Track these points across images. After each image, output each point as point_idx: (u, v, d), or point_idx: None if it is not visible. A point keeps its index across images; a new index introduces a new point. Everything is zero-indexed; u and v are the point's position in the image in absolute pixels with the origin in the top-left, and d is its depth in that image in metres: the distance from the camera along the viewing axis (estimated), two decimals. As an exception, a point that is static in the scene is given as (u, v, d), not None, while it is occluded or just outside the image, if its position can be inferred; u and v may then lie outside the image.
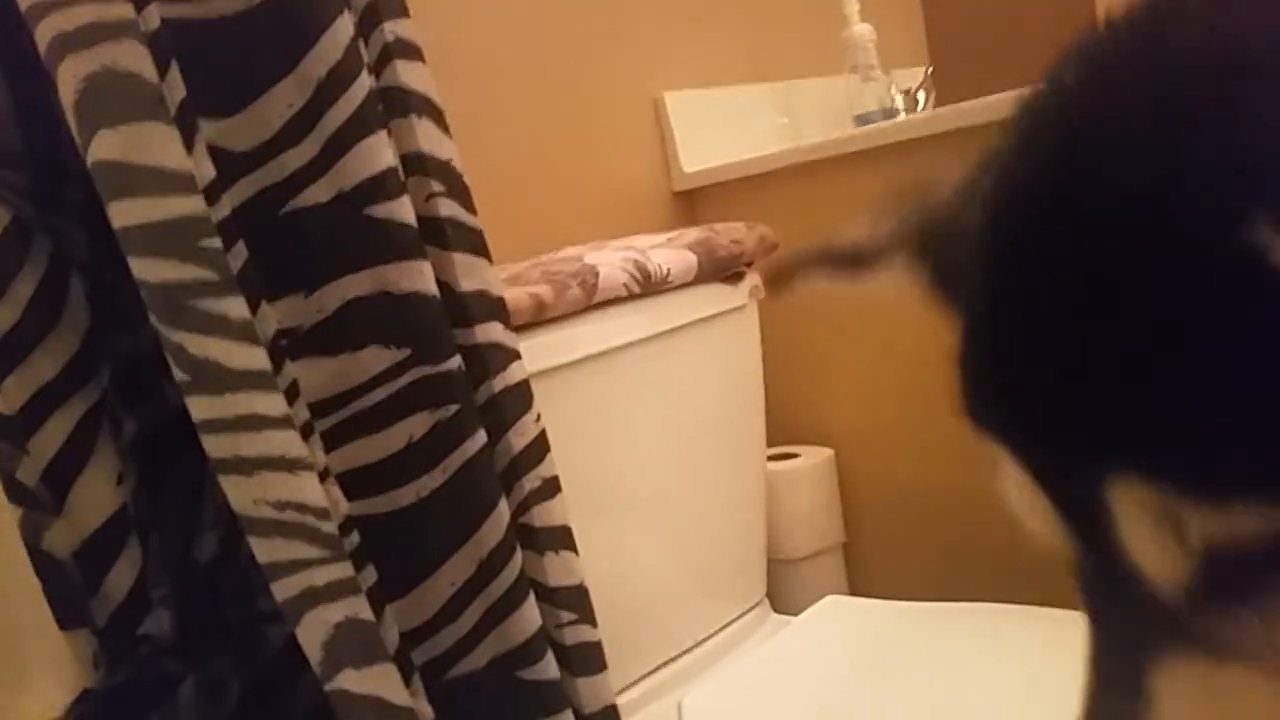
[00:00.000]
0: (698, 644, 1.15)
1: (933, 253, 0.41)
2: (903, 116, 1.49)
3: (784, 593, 1.37)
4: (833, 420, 1.43)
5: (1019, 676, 0.90)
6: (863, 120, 1.48)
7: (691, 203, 1.49)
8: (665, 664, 1.11)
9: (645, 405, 1.08)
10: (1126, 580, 0.34)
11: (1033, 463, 0.35)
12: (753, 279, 1.17)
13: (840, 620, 1.10)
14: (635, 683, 1.07)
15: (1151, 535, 0.32)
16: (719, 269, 1.12)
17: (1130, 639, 0.35)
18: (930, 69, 1.32)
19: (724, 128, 1.53)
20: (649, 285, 1.04)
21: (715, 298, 1.13)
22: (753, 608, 1.23)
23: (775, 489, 1.34)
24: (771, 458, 1.39)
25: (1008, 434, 0.36)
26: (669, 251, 1.07)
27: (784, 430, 1.44)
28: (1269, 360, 0.27)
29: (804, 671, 1.00)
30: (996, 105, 1.16)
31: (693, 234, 1.13)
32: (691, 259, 1.08)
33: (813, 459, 1.40)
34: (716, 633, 1.17)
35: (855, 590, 1.42)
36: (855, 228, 0.46)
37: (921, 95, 1.55)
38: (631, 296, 1.04)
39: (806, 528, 1.39)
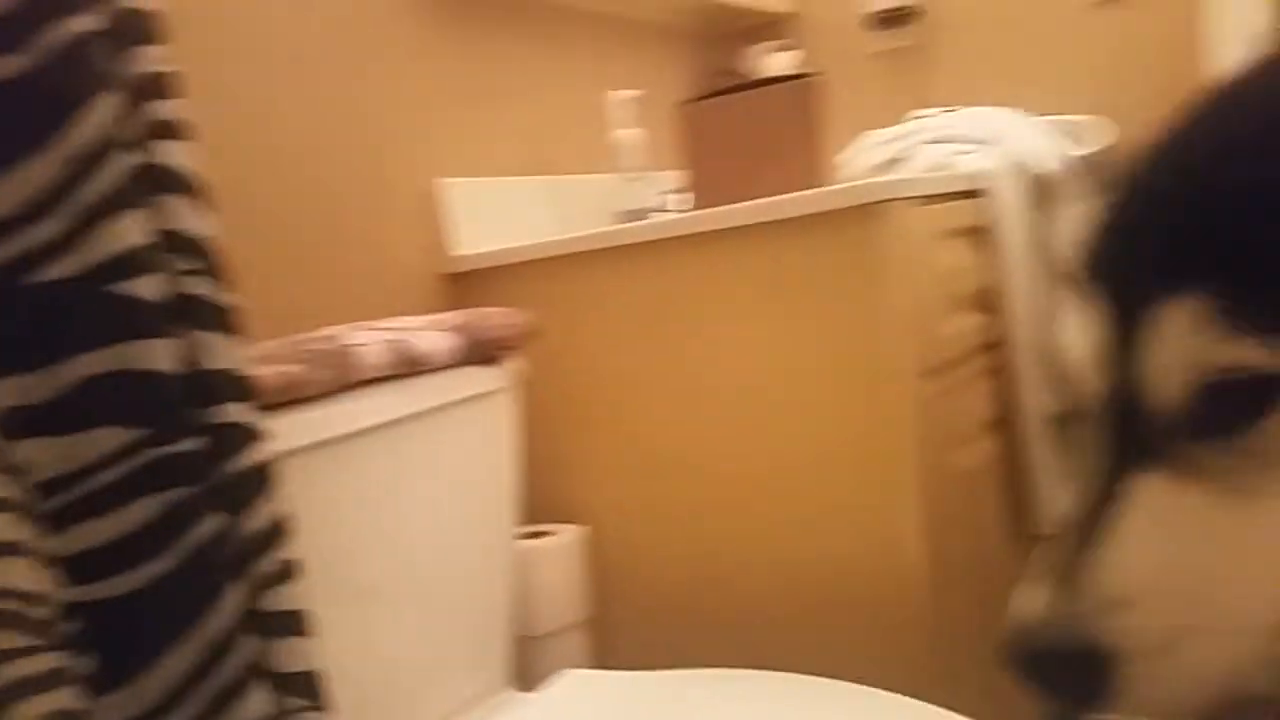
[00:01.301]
0: (442, 723, 1.14)
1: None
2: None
3: (530, 669, 1.39)
4: (588, 499, 1.48)
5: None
6: (626, 217, 1.57)
7: (461, 287, 1.52)
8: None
9: (398, 485, 1.09)
10: (1133, 404, 0.45)
11: (1114, 295, 0.46)
12: (515, 363, 1.22)
13: (576, 693, 1.13)
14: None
15: (1175, 360, 0.43)
16: (480, 352, 1.15)
17: (1117, 454, 0.46)
18: (687, 174, 1.43)
19: (497, 216, 1.58)
20: (408, 366, 1.06)
21: (475, 380, 1.16)
22: (494, 689, 1.24)
23: (525, 566, 1.37)
24: (526, 535, 1.42)
25: (1108, 277, 0.47)
26: (429, 335, 1.10)
27: (540, 509, 1.48)
28: None
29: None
30: (748, 211, 1.28)
31: (456, 317, 1.16)
32: (453, 341, 1.11)
33: (564, 536, 1.44)
34: (460, 712, 1.17)
35: (602, 664, 1.46)
36: None
37: (676, 199, 1.67)
38: (390, 377, 1.05)
39: (556, 604, 1.42)
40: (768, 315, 1.30)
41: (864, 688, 1.01)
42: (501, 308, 1.22)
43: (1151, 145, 0.47)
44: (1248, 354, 0.41)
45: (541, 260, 1.44)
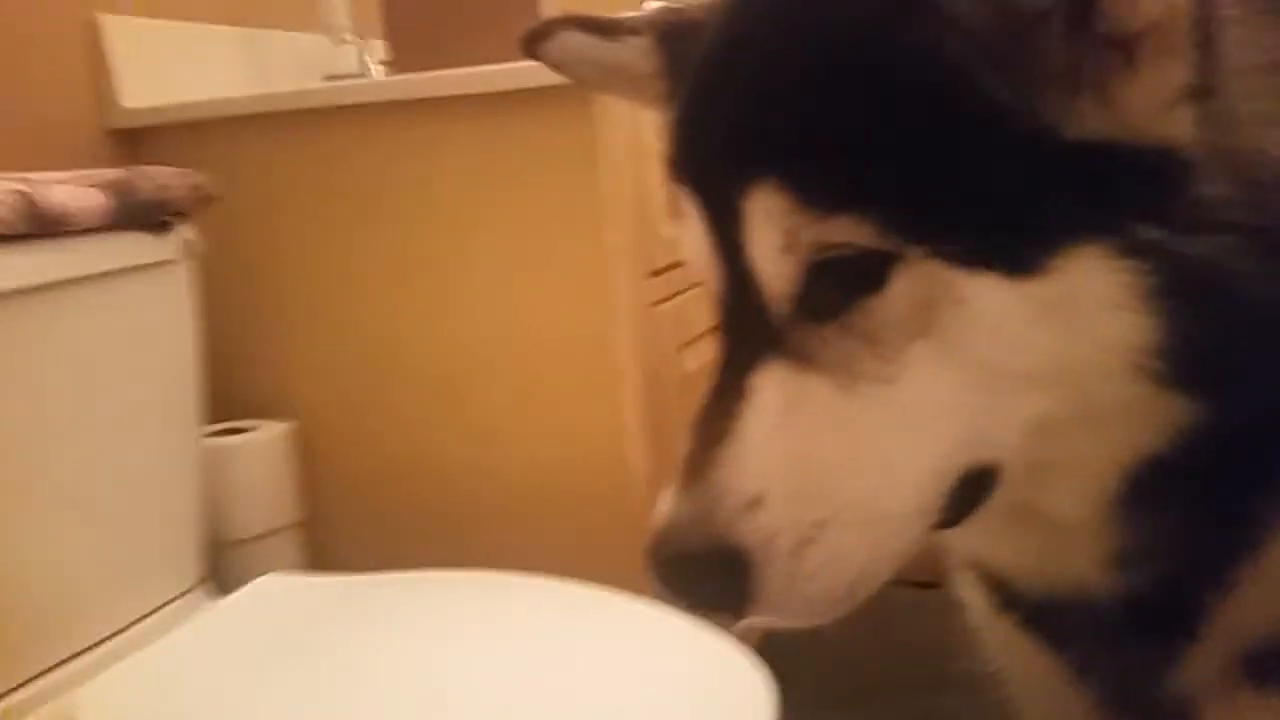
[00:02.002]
0: (119, 632, 1.02)
1: (671, 40, 0.52)
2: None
3: (234, 575, 1.27)
4: (296, 393, 1.35)
5: (451, 638, 0.91)
6: (332, 82, 1.42)
7: (133, 145, 1.33)
8: (81, 654, 0.97)
9: (44, 365, 0.93)
10: (748, 295, 0.45)
11: (704, 189, 0.46)
12: (185, 233, 1.06)
13: (272, 597, 1.04)
14: (37, 677, 0.92)
15: (772, 244, 0.43)
16: (139, 215, 0.99)
17: (741, 349, 0.46)
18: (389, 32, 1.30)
19: (179, 67, 1.38)
20: (42, 223, 0.89)
21: (134, 248, 1.01)
22: (186, 592, 1.12)
23: (224, 464, 1.24)
24: (222, 432, 1.28)
25: (694, 172, 0.47)
26: (72, 189, 0.93)
27: (241, 404, 1.34)
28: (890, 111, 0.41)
29: (226, 651, 0.94)
30: (455, 80, 1.17)
31: (110, 174, 1.00)
32: (101, 200, 0.95)
33: (267, 433, 1.31)
34: (142, 620, 1.05)
35: (316, 568, 1.36)
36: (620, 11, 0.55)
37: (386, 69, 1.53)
38: (15, 236, 0.88)
39: (259, 506, 1.30)
40: (484, 198, 1.21)
41: (578, 585, 0.98)
42: (168, 167, 1.06)
43: (714, 29, 0.48)
44: (841, 232, 0.42)
45: (230, 119, 1.28)
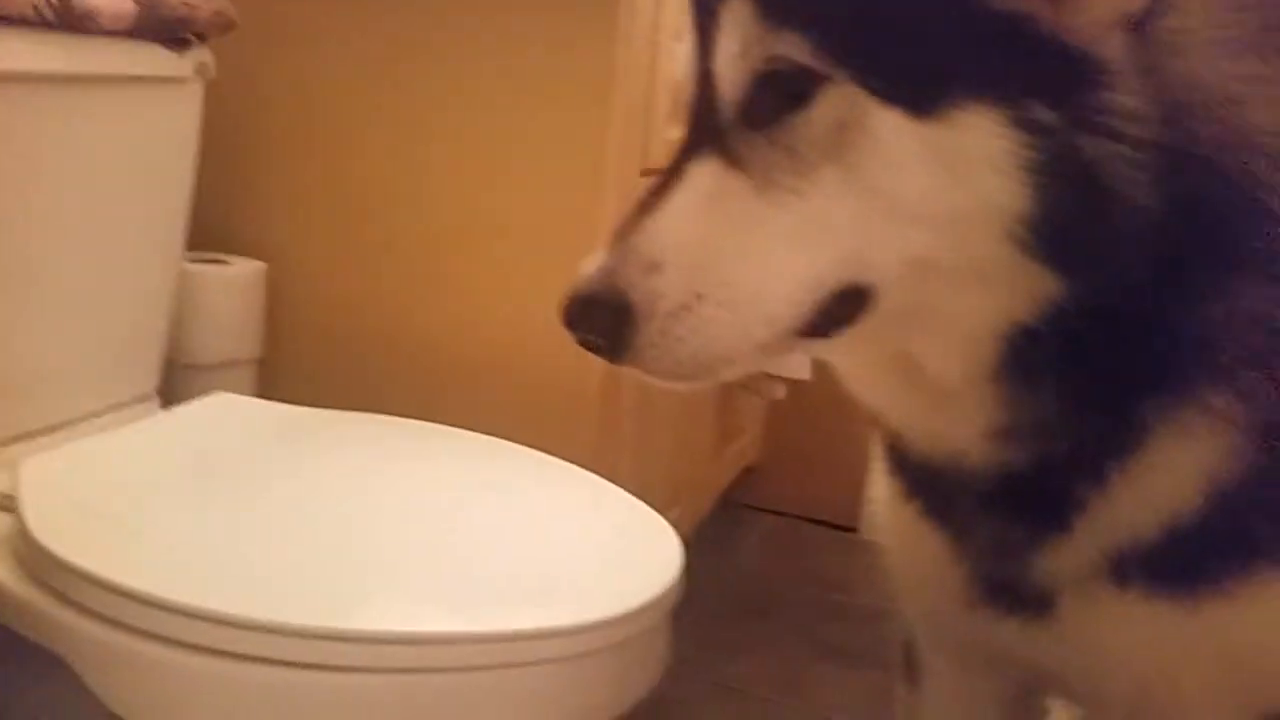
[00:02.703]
0: (70, 422, 1.07)
1: None
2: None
3: (188, 398, 1.32)
4: (268, 234, 1.40)
5: (380, 474, 0.97)
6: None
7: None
8: (33, 435, 1.02)
9: (52, 154, 0.97)
10: (707, 96, 0.51)
11: (702, 8, 0.51)
12: (202, 54, 1.10)
13: (214, 413, 1.09)
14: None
15: (732, 50, 0.49)
16: (162, 28, 1.03)
17: (691, 143, 0.52)
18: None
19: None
20: (68, 18, 0.93)
21: (152, 59, 1.04)
22: (139, 400, 1.17)
23: (195, 292, 1.29)
24: (200, 260, 1.32)
25: None
26: (104, -9, 0.97)
27: (220, 237, 1.38)
28: None
29: (163, 451, 0.99)
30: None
31: (139, -16, 1.03)
32: (129, 5, 0.98)
33: (241, 269, 1.36)
34: (92, 416, 1.10)
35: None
36: None
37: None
38: (44, 24, 0.92)
39: (222, 336, 1.35)
40: (497, 72, 1.25)
41: (522, 448, 1.04)
42: (197, -11, 1.09)
43: None
44: (786, 45, 0.48)
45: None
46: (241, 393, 1.37)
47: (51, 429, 1.05)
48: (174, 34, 1.05)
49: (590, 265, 0.52)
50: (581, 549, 0.84)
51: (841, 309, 0.51)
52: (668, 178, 0.52)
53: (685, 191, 0.51)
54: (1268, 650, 0.56)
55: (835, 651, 1.58)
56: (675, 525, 1.56)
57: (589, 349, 0.52)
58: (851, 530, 1.91)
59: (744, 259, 0.50)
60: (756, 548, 1.94)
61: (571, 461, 1.01)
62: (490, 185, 1.28)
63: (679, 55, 0.55)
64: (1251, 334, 0.51)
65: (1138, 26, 0.47)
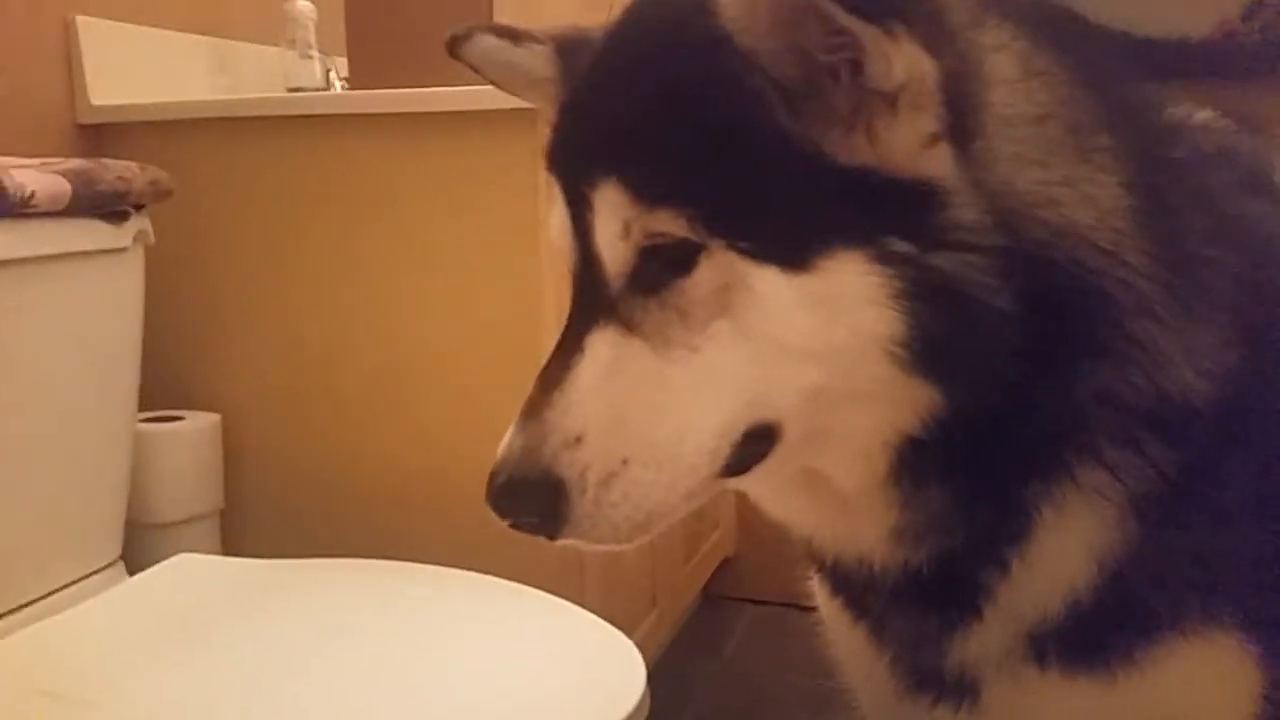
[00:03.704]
0: (37, 600, 1.06)
1: (567, 52, 0.62)
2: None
3: (150, 558, 1.31)
4: (227, 387, 1.41)
5: (355, 623, 0.96)
6: (295, 93, 1.49)
7: (99, 140, 1.39)
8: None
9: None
10: (593, 271, 0.54)
11: (566, 180, 0.55)
12: (140, 222, 1.13)
13: (182, 576, 1.08)
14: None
15: (613, 231, 0.52)
16: (98, 204, 1.06)
17: (584, 315, 0.55)
18: (350, 51, 1.38)
19: (148, 70, 1.45)
20: (6, 204, 0.96)
21: (91, 234, 1.07)
22: (103, 569, 1.16)
23: (151, 450, 1.29)
24: (154, 419, 1.33)
25: (560, 165, 0.56)
26: (37, 174, 0.99)
27: (171, 394, 1.39)
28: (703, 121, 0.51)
29: (130, 622, 0.98)
30: (405, 98, 1.25)
31: (74, 163, 1.06)
32: (64, 186, 1.01)
33: (195, 423, 1.36)
34: (57, 591, 1.09)
35: (232, 553, 1.40)
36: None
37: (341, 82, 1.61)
38: (-17, 214, 0.94)
39: (182, 492, 1.35)
40: (428, 210, 1.29)
41: (485, 577, 1.05)
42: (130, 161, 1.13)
43: (596, 49, 0.58)
44: (663, 223, 0.52)
45: (193, 121, 1.35)
46: (206, 546, 1.38)
47: (20, 607, 1.04)
48: (111, 207, 1.08)
49: (507, 448, 0.54)
50: (544, 682, 0.84)
51: (754, 447, 0.54)
52: (567, 350, 0.55)
53: (589, 362, 0.54)
54: (1188, 717, 0.58)
55: (830, 741, 1.55)
56: (654, 629, 1.59)
57: (523, 531, 0.54)
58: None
59: (658, 418, 0.52)
60: (742, 640, 1.92)
61: (536, 584, 1.02)
62: (435, 322, 1.31)
63: (551, 223, 0.58)
64: (1112, 412, 0.54)
65: (958, 147, 0.51)
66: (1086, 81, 0.55)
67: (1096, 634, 0.57)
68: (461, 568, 1.07)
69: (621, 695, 0.78)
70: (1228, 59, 1.58)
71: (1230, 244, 0.58)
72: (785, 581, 2.07)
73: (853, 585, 0.65)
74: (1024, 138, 0.53)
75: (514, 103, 1.17)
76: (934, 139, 0.50)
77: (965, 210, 0.51)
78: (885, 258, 0.49)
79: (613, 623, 0.94)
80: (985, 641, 0.59)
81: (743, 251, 0.50)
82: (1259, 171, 0.65)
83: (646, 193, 0.51)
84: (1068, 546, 0.56)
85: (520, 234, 1.25)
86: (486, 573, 1.05)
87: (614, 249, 0.53)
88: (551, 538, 0.54)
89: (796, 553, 0.71)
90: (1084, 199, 0.53)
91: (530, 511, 0.53)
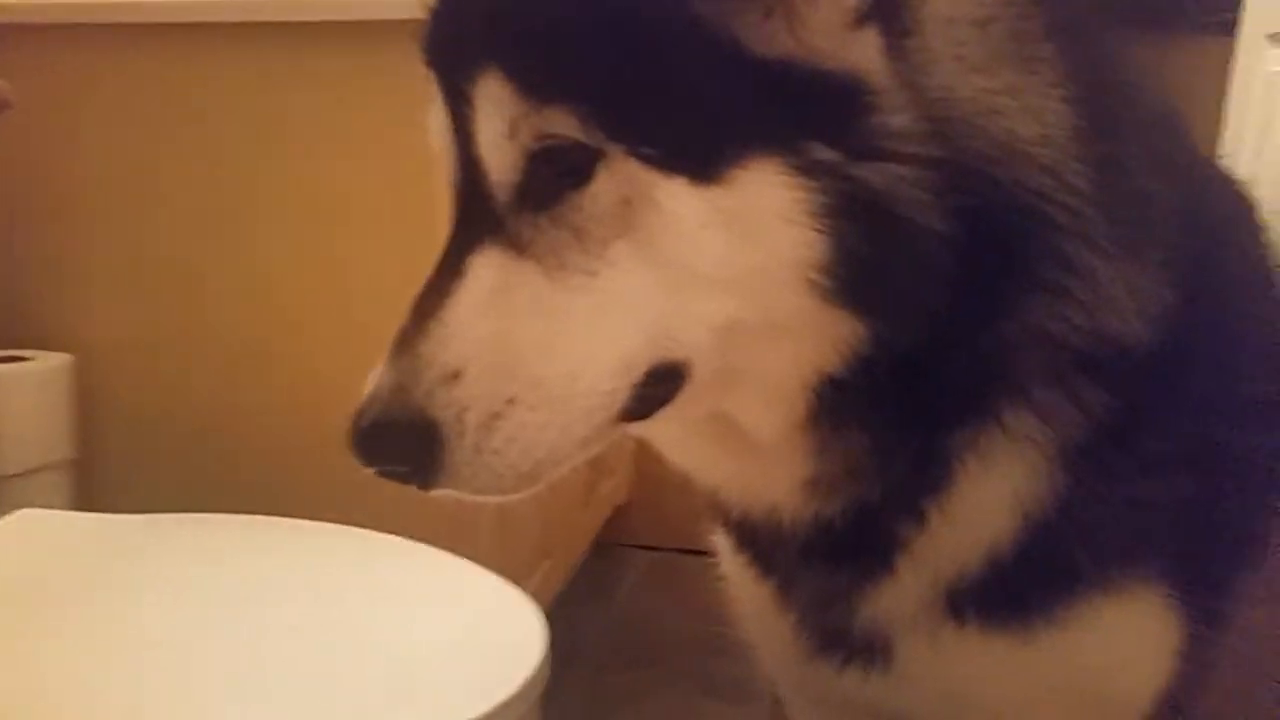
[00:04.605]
0: None
1: None
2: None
3: (-2, 512, 1.20)
4: (75, 324, 1.29)
5: (223, 585, 0.89)
6: None
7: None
8: None
9: None
10: (476, 180, 0.47)
11: (445, 74, 0.49)
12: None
13: (21, 534, 0.99)
14: None
15: (497, 130, 0.46)
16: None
17: (466, 233, 0.48)
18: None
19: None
20: None
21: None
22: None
23: (-8, 394, 1.17)
24: (-1, 360, 1.21)
25: (438, 58, 0.50)
26: None
27: (18, 332, 1.26)
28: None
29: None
30: (280, 4, 1.14)
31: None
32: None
33: (45, 364, 1.24)
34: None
35: (88, 509, 1.30)
36: None
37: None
38: None
39: (26, 440, 1.23)
40: (308, 135, 1.18)
41: (370, 533, 0.97)
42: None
43: None
44: (554, 122, 0.45)
45: (35, 27, 1.20)
46: (55, 501, 1.27)
47: None
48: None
49: (374, 385, 0.47)
50: (439, 643, 0.78)
51: (658, 388, 0.48)
52: (446, 274, 0.48)
53: (471, 287, 0.47)
54: (1108, 674, 0.56)
55: (726, 687, 1.56)
56: (547, 579, 1.55)
57: (392, 479, 0.47)
58: (721, 555, 1.90)
59: (550, 353, 0.46)
60: (636, 588, 1.91)
61: (426, 539, 0.95)
62: (311, 250, 1.21)
63: (430, 127, 0.51)
64: (1044, 351, 0.50)
65: (890, 41, 0.46)
66: None
67: (1017, 590, 0.54)
68: (345, 523, 0.99)
69: (521, 658, 0.73)
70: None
71: (1170, 179, 0.55)
72: (679, 528, 2.08)
73: (760, 540, 0.62)
74: (966, 39, 0.49)
75: (405, 11, 1.09)
76: (859, 16, 0.45)
77: (897, 115, 0.46)
78: (806, 168, 0.44)
79: (505, 575, 0.89)
80: (899, 598, 0.56)
81: (646, 159, 0.44)
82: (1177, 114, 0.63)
83: (535, 86, 0.45)
84: (991, 497, 0.53)
85: (411, 161, 1.15)
86: (372, 528, 0.98)
87: (499, 152, 0.47)
88: (425, 488, 0.47)
89: (700, 504, 0.67)
90: (1027, 111, 0.49)
91: (399, 458, 0.47)
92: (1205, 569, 0.56)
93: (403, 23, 1.06)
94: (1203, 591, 0.56)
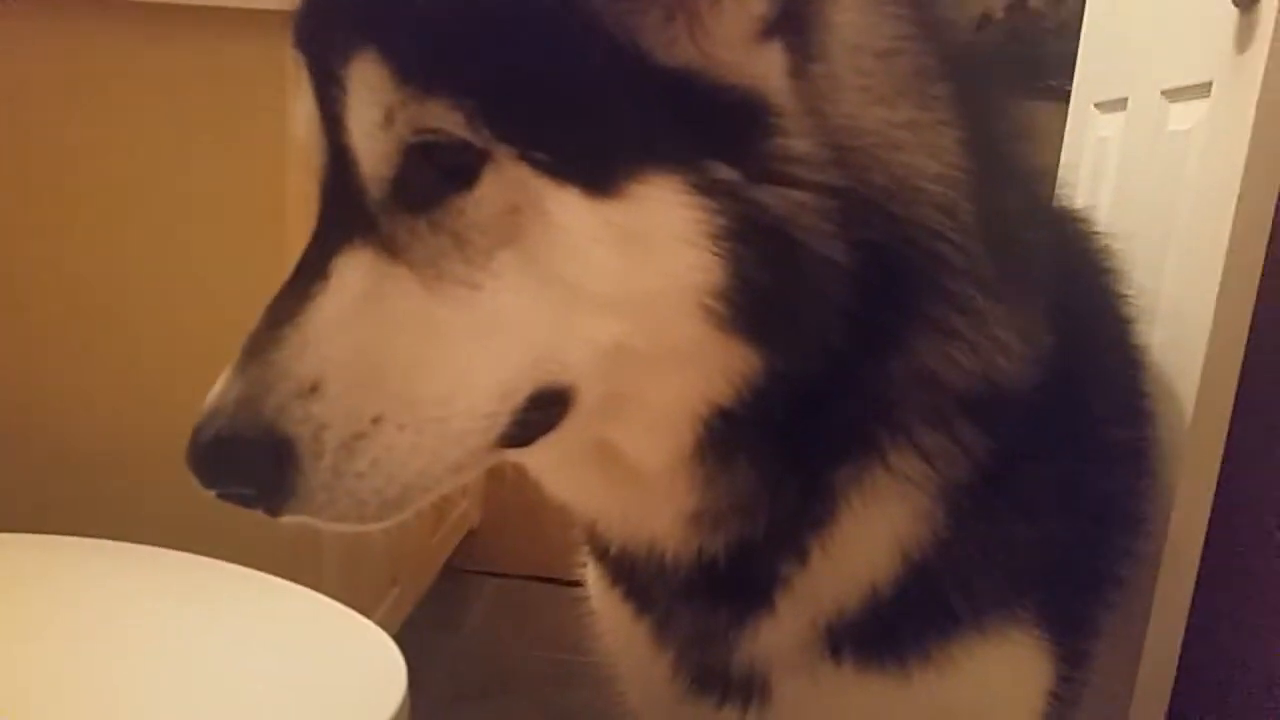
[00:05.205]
0: None
1: None
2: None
3: None
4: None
5: (35, 616, 0.80)
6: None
7: None
8: None
9: None
10: (346, 179, 0.42)
11: (315, 56, 0.44)
12: None
13: None
14: None
15: (371, 118, 0.41)
16: None
17: (332, 231, 0.43)
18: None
19: None
20: None
21: None
22: None
23: None
24: None
25: (308, 39, 0.45)
26: None
27: None
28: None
29: None
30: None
31: None
32: None
33: None
34: None
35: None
36: None
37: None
38: None
39: None
40: (160, 119, 1.10)
41: (197, 558, 0.90)
42: None
43: None
44: (436, 116, 0.41)
45: None
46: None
47: None
48: None
49: (218, 396, 0.42)
50: (293, 683, 0.73)
51: (541, 413, 0.45)
52: (307, 275, 0.43)
53: (336, 291, 0.43)
54: (983, 714, 0.57)
55: (576, 716, 1.53)
56: (395, 608, 1.48)
57: (236, 503, 0.42)
58: (576, 584, 1.87)
59: (423, 369, 0.42)
60: (485, 615, 1.86)
61: (263, 566, 0.89)
62: (154, 241, 1.12)
63: (297, 114, 0.46)
64: (929, 391, 0.50)
65: (795, 61, 0.45)
66: (930, 24, 0.51)
67: (895, 629, 0.54)
68: (178, 549, 0.91)
69: (382, 700, 0.68)
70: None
71: (1044, 226, 0.56)
72: (529, 554, 2.04)
73: (638, 574, 0.59)
74: (871, 70, 0.48)
75: (271, 2, 1.03)
76: (765, 28, 0.44)
77: (800, 140, 0.44)
78: (706, 187, 0.42)
79: (352, 604, 0.84)
80: (778, 636, 0.55)
81: (537, 165, 0.41)
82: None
83: (415, 73, 0.41)
84: (872, 535, 0.53)
85: (270, 156, 1.09)
86: (203, 553, 0.90)
87: (373, 142, 0.42)
88: (273, 513, 0.42)
89: (580, 536, 0.65)
90: (926, 147, 0.48)
91: (244, 479, 0.42)
92: (1072, 610, 0.58)
93: (266, 13, 1.03)
94: (1071, 632, 0.57)
